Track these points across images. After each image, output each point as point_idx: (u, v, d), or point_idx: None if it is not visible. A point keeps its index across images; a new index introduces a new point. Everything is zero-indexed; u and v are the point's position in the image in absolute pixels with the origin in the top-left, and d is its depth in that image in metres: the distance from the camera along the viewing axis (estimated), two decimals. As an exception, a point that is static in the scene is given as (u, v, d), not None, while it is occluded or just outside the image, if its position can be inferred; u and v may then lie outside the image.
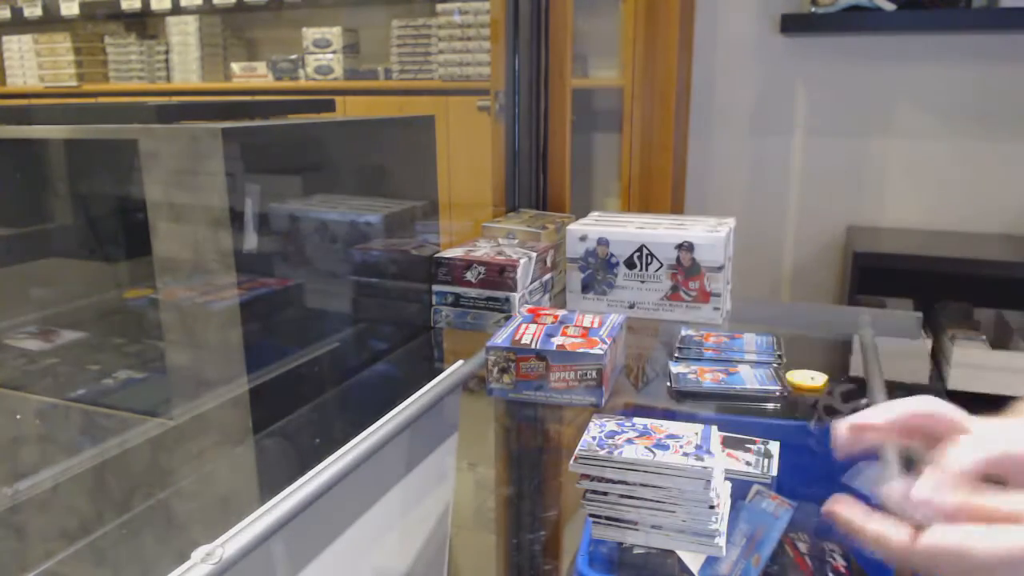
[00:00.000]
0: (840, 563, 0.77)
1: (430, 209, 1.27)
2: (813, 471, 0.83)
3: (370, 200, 1.14)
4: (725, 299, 1.22)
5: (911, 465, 0.47)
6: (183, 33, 3.28)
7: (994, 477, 0.43)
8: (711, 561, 0.69)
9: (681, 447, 0.69)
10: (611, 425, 0.74)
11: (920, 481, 0.43)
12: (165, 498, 0.84)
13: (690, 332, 1.14)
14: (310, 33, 3.02)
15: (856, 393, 1.00)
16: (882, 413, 0.49)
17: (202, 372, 0.91)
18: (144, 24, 3.54)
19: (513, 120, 1.60)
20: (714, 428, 0.73)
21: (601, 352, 0.92)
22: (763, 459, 0.79)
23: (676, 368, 1.03)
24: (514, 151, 1.62)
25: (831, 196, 2.34)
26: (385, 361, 1.14)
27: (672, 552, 0.70)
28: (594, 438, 0.71)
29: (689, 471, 0.66)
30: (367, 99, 2.92)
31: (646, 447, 0.69)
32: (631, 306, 1.23)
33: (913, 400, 0.49)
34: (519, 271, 1.16)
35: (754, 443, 0.81)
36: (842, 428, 0.49)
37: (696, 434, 0.72)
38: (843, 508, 0.45)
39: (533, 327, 1.00)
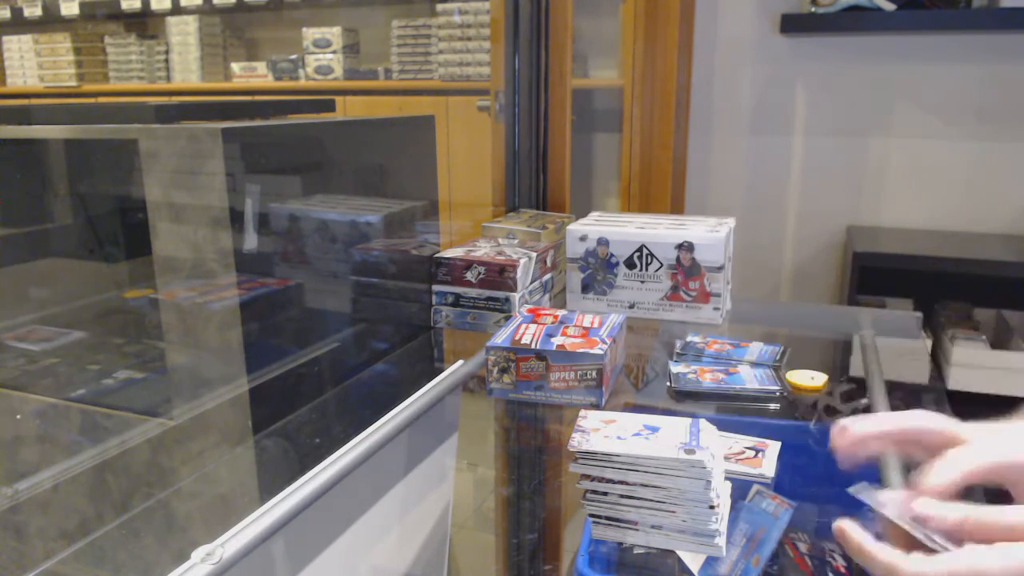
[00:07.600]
0: (840, 563, 0.77)
1: (430, 209, 1.27)
2: (813, 471, 0.84)
3: (370, 200, 1.14)
4: (725, 299, 1.22)
5: (912, 472, 0.47)
6: (183, 33, 3.28)
7: (996, 482, 0.43)
8: (711, 561, 0.69)
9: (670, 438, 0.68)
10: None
11: (920, 499, 0.43)
12: (165, 498, 0.84)
13: (695, 339, 1.12)
14: (310, 33, 3.02)
15: (856, 393, 1.00)
16: (877, 424, 0.50)
17: (202, 372, 0.91)
18: (144, 24, 3.54)
19: (513, 120, 1.60)
20: (703, 421, 0.73)
21: (601, 352, 0.92)
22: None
23: (676, 368, 1.03)
24: (514, 151, 1.62)
25: (831, 196, 2.34)
26: (385, 361, 1.14)
27: (672, 552, 0.70)
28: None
29: (683, 465, 0.66)
30: (367, 99, 2.92)
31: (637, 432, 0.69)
32: (631, 306, 1.23)
33: (906, 415, 0.50)
34: (519, 271, 1.16)
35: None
36: (840, 439, 0.50)
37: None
38: (854, 532, 0.45)
39: (533, 327, 1.00)
